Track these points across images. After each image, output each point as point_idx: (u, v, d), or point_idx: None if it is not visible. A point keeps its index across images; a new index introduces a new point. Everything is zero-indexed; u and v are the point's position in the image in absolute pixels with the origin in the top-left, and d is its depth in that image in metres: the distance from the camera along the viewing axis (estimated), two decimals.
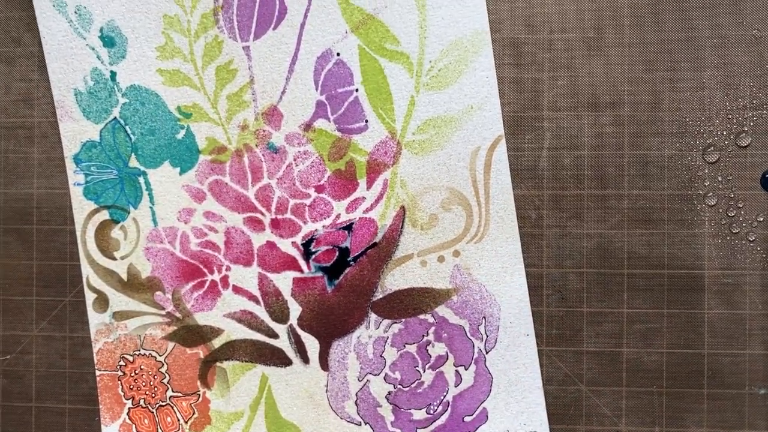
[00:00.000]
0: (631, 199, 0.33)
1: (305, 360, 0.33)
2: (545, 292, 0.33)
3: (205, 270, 0.34)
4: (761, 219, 0.32)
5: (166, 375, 0.34)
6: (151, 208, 0.34)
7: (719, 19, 0.32)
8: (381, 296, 0.33)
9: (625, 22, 0.32)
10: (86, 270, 0.34)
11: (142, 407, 0.34)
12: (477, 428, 0.33)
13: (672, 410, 0.33)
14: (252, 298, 0.33)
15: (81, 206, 0.34)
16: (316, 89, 0.33)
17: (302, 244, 0.33)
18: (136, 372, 0.34)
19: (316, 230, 0.33)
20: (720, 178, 0.32)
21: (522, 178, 0.33)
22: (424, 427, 0.33)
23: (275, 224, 0.33)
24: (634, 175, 0.33)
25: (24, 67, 0.35)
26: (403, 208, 0.33)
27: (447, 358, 0.33)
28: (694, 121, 0.32)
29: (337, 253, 0.33)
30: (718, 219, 0.32)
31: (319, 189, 0.33)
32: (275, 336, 0.33)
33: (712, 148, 0.32)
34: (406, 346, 0.33)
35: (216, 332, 0.34)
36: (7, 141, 0.35)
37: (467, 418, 0.33)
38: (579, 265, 0.33)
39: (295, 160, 0.33)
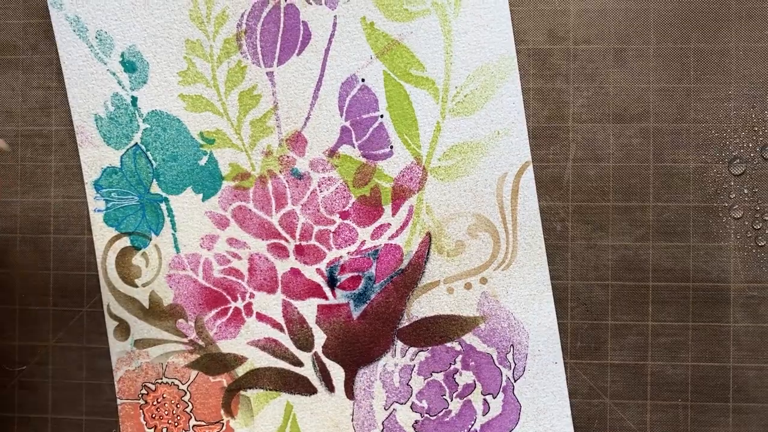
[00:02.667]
0: (657, 212, 0.33)
1: (330, 388, 0.33)
2: (570, 305, 0.33)
3: (229, 297, 0.33)
4: None
5: (189, 404, 0.34)
6: (173, 234, 0.33)
7: (745, 31, 0.32)
8: (407, 324, 0.33)
9: (651, 33, 0.32)
10: (107, 297, 0.34)
11: None
12: None
13: (697, 424, 0.32)
14: (276, 325, 0.33)
15: (102, 233, 0.33)
16: (341, 115, 0.33)
17: (327, 271, 0.33)
18: (159, 401, 0.34)
19: (340, 257, 0.33)
20: (746, 191, 0.32)
21: (547, 189, 0.33)
22: None
23: (299, 251, 0.33)
24: (660, 187, 0.33)
25: (41, 75, 0.34)
26: (429, 234, 0.33)
27: (475, 387, 0.32)
28: (720, 134, 0.32)
29: (362, 280, 0.33)
30: (743, 232, 0.32)
31: (344, 215, 0.33)
32: (300, 364, 0.33)
33: (737, 160, 0.32)
34: (433, 374, 0.33)
35: (239, 360, 0.33)
36: (24, 149, 0.34)
37: None
38: (604, 277, 0.33)
39: (319, 186, 0.33)
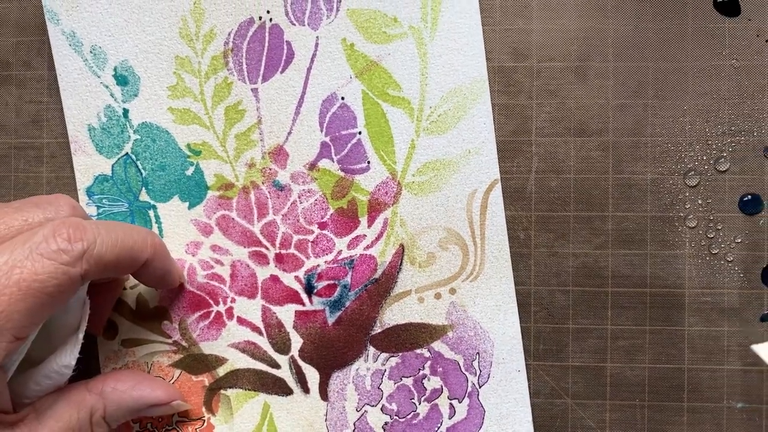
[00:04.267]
0: (615, 221, 0.34)
1: (306, 390, 0.35)
2: (533, 309, 0.34)
3: (211, 301, 0.35)
4: (739, 240, 0.34)
5: None
6: None
7: (700, 49, 0.34)
8: (379, 330, 0.34)
9: (610, 51, 0.34)
10: None
11: (149, 431, 0.35)
12: None
13: (654, 423, 0.34)
14: (255, 329, 0.35)
15: None
16: (321, 131, 0.34)
17: (305, 279, 0.35)
18: None
19: (318, 265, 0.34)
20: (700, 201, 0.34)
21: (511, 200, 0.34)
22: None
23: (279, 259, 0.35)
24: (618, 197, 0.34)
25: (34, 90, 0.36)
26: (402, 246, 0.34)
27: (442, 392, 0.34)
28: (676, 147, 0.34)
29: (338, 288, 0.34)
30: (698, 240, 0.34)
31: (322, 226, 0.34)
32: (277, 366, 0.35)
33: (692, 172, 0.34)
34: (403, 379, 0.34)
35: (221, 361, 0.35)
36: (17, 160, 0.36)
37: None
38: (565, 283, 0.34)
39: (299, 197, 0.34)
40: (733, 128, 0.34)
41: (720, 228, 0.34)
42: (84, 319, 0.30)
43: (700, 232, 0.34)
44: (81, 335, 0.30)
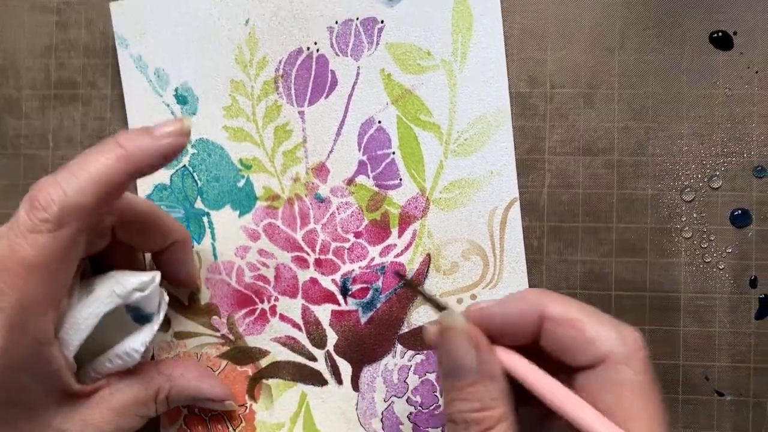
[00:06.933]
0: (619, 232, 0.38)
1: (339, 381, 0.39)
2: None
3: (257, 299, 0.39)
4: (729, 250, 0.37)
5: None
6: (212, 244, 0.39)
7: (696, 79, 0.37)
8: (407, 330, 0.38)
9: (615, 80, 0.38)
10: None
11: (197, 415, 0.39)
12: None
13: None
14: (295, 325, 0.39)
15: None
16: (359, 150, 0.38)
17: (341, 282, 0.39)
18: None
19: (353, 270, 0.38)
20: (695, 215, 0.37)
21: (526, 211, 0.38)
22: None
23: (318, 263, 0.39)
24: (622, 211, 0.38)
25: (98, 107, 0.40)
26: (428, 255, 0.38)
27: None
28: (673, 166, 0.37)
29: (370, 291, 0.38)
30: (692, 250, 0.37)
31: (357, 235, 0.38)
32: (314, 359, 0.39)
33: (688, 189, 0.37)
34: (427, 374, 0.38)
35: (263, 353, 0.39)
36: None
37: None
38: (573, 287, 0.38)
39: (338, 209, 0.38)
40: (725, 150, 0.37)
41: (713, 239, 0.37)
42: (160, 310, 0.34)
43: (695, 242, 0.37)
44: (156, 326, 0.34)
